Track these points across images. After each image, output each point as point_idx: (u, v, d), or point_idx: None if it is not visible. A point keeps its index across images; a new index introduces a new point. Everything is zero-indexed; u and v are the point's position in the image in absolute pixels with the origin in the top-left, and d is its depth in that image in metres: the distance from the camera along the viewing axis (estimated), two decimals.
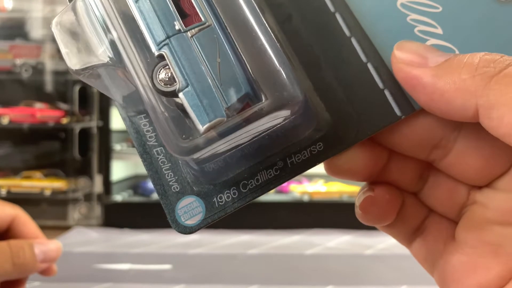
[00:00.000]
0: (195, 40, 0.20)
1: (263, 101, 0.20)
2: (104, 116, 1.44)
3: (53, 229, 1.29)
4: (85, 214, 1.41)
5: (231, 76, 0.20)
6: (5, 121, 1.43)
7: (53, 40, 1.46)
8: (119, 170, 1.51)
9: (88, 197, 1.43)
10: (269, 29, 0.21)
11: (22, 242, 0.42)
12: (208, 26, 0.21)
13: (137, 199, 1.51)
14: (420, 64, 0.22)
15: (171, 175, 0.24)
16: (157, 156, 0.24)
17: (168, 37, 0.20)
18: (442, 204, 0.26)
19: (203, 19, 0.21)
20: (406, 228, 0.27)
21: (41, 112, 1.44)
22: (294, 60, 0.24)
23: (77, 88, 1.43)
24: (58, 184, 1.42)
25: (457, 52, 0.23)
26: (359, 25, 0.24)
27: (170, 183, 0.24)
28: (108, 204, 1.41)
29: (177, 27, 0.20)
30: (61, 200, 1.42)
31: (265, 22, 0.21)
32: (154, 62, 0.21)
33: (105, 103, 1.43)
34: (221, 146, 0.20)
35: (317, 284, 0.83)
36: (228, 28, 0.21)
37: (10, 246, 0.41)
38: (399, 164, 0.25)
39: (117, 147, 1.52)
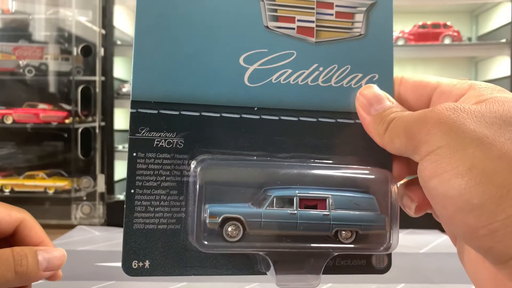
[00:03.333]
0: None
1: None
2: (107, 116, 1.44)
3: (56, 227, 1.30)
4: (88, 213, 1.42)
5: None
6: (9, 121, 1.45)
7: (56, 41, 1.48)
8: (122, 169, 1.52)
9: (91, 197, 1.44)
10: None
11: (25, 250, 0.41)
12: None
13: None
14: (366, 110, 0.35)
15: None
16: None
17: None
18: None
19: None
20: None
21: (44, 113, 1.45)
22: None
23: (80, 89, 1.44)
24: (61, 183, 1.43)
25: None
26: None
27: None
28: (111, 203, 1.42)
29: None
30: (64, 199, 1.43)
31: None
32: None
33: (107, 104, 1.44)
34: None
35: None
36: None
37: (13, 253, 0.40)
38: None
39: (119, 147, 1.53)
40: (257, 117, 0.36)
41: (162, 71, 0.35)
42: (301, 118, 0.37)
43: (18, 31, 1.50)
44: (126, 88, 1.54)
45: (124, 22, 1.63)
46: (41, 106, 1.47)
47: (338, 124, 0.37)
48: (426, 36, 1.64)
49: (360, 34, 0.38)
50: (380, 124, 0.34)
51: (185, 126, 0.36)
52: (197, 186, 0.34)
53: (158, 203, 0.35)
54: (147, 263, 0.35)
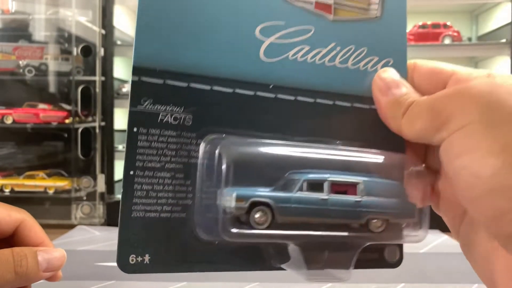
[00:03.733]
0: None
1: None
2: (107, 116, 1.44)
3: (56, 227, 1.30)
4: (88, 213, 1.42)
5: None
6: (9, 121, 1.45)
7: (56, 42, 1.48)
8: (122, 170, 1.52)
9: (91, 196, 1.44)
10: None
11: (25, 250, 0.41)
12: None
13: None
14: (383, 93, 0.34)
15: None
16: None
17: None
18: None
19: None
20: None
21: (44, 113, 1.45)
22: None
23: (80, 89, 1.44)
24: (61, 183, 1.43)
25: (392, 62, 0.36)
26: None
27: None
28: (111, 203, 1.42)
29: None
30: (64, 199, 1.43)
31: None
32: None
33: (107, 104, 1.44)
34: None
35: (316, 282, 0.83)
36: None
37: (13, 254, 0.40)
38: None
39: (119, 147, 1.53)
40: (273, 95, 0.34)
41: (170, 35, 0.31)
42: (318, 100, 0.35)
43: (18, 31, 1.50)
44: (126, 88, 1.54)
45: (124, 22, 1.63)
46: (41, 106, 1.47)
47: (354, 109, 0.35)
48: (426, 36, 1.64)
49: (376, 17, 0.36)
50: (397, 107, 0.33)
51: (194, 100, 0.32)
52: (223, 166, 0.30)
53: (161, 188, 0.31)
54: (147, 258, 0.31)
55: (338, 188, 0.32)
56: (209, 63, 0.32)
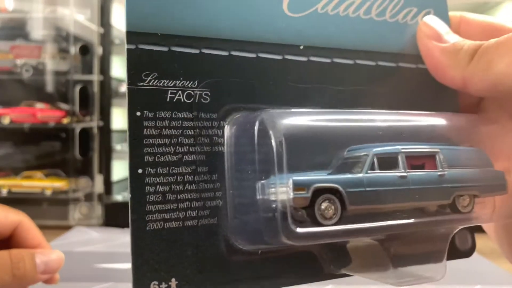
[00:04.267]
0: None
1: None
2: (105, 116, 1.44)
3: (54, 228, 1.29)
4: (85, 214, 1.41)
5: None
6: (6, 121, 1.44)
7: (54, 40, 1.47)
8: (120, 170, 1.51)
9: (88, 197, 1.43)
10: None
11: (23, 252, 0.41)
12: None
13: None
14: (436, 39, 0.29)
15: None
16: None
17: None
18: None
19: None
20: None
21: (42, 112, 1.44)
22: None
23: (77, 88, 1.43)
24: (59, 184, 1.42)
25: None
26: None
27: None
28: (109, 204, 1.41)
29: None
30: (62, 200, 1.42)
31: None
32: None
33: (105, 104, 1.43)
34: None
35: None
36: None
37: (10, 256, 0.40)
38: None
39: (117, 147, 1.52)
40: (305, 59, 0.28)
41: None
42: (358, 61, 0.29)
43: (16, 30, 1.49)
44: (125, 87, 1.53)
45: (123, 20, 1.62)
46: (39, 105, 1.46)
47: (400, 69, 0.30)
48: None
49: None
50: (459, 53, 0.28)
51: (209, 71, 0.25)
52: (273, 145, 0.22)
53: (181, 187, 0.24)
54: (173, 283, 0.24)
55: (415, 161, 0.26)
56: (223, 22, 0.26)
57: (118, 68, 1.56)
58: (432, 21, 0.31)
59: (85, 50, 1.44)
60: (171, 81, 0.24)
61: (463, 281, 0.79)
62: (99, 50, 1.43)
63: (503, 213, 0.28)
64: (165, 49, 0.25)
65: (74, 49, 1.44)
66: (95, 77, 1.43)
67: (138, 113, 0.24)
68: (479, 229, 0.31)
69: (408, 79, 0.30)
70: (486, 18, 0.31)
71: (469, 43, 0.28)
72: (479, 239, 0.31)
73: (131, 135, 0.24)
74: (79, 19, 1.45)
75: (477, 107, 0.32)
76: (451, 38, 0.29)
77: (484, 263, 0.86)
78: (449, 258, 0.28)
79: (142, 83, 0.24)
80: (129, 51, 0.24)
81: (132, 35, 0.24)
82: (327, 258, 0.27)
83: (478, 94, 0.28)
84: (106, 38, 1.43)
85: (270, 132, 0.23)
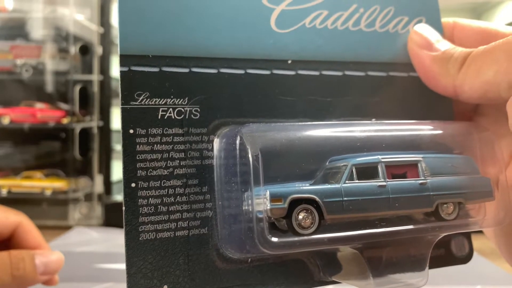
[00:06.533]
0: None
1: None
2: (105, 116, 1.43)
3: (54, 229, 1.29)
4: (85, 214, 1.41)
5: None
6: (6, 121, 1.43)
7: (53, 40, 1.46)
8: (120, 170, 1.51)
9: (88, 197, 1.43)
10: None
11: (23, 253, 0.41)
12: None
13: None
14: (426, 48, 0.29)
15: None
16: None
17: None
18: None
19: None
20: None
21: (42, 112, 1.44)
22: None
23: (77, 88, 1.43)
24: (59, 184, 1.42)
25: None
26: None
27: None
28: (109, 204, 1.41)
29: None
30: (62, 200, 1.42)
31: None
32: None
33: (105, 103, 1.43)
34: None
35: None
36: None
37: (10, 257, 0.40)
38: None
39: (117, 147, 1.52)
40: (293, 72, 0.28)
41: (161, 10, 0.26)
42: (347, 73, 0.29)
43: (15, 29, 1.49)
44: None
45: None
46: (38, 105, 1.46)
47: (390, 78, 0.30)
48: None
49: None
50: (449, 61, 0.28)
51: (199, 88, 0.26)
52: (249, 159, 0.23)
53: (172, 200, 0.26)
54: None
55: (395, 170, 0.26)
56: (211, 41, 0.27)
57: (118, 68, 1.56)
58: (422, 29, 0.31)
59: (85, 50, 1.43)
60: (162, 100, 0.26)
61: (464, 281, 0.79)
62: (99, 50, 1.43)
63: (492, 219, 0.28)
64: (156, 69, 0.26)
65: (74, 49, 1.44)
66: (95, 77, 1.42)
67: (131, 131, 0.25)
68: (479, 230, 0.31)
69: (399, 88, 0.31)
70: (480, 23, 0.31)
71: (459, 51, 0.28)
72: (479, 240, 0.31)
73: (125, 151, 0.26)
74: (79, 19, 1.45)
75: (474, 112, 0.32)
76: (442, 46, 0.29)
77: (484, 263, 0.86)
78: (445, 265, 0.29)
79: (135, 102, 0.26)
80: (122, 73, 0.26)
81: (125, 58, 0.26)
82: (318, 265, 0.27)
83: (470, 101, 0.28)
84: (106, 38, 1.43)
85: (248, 146, 0.24)
